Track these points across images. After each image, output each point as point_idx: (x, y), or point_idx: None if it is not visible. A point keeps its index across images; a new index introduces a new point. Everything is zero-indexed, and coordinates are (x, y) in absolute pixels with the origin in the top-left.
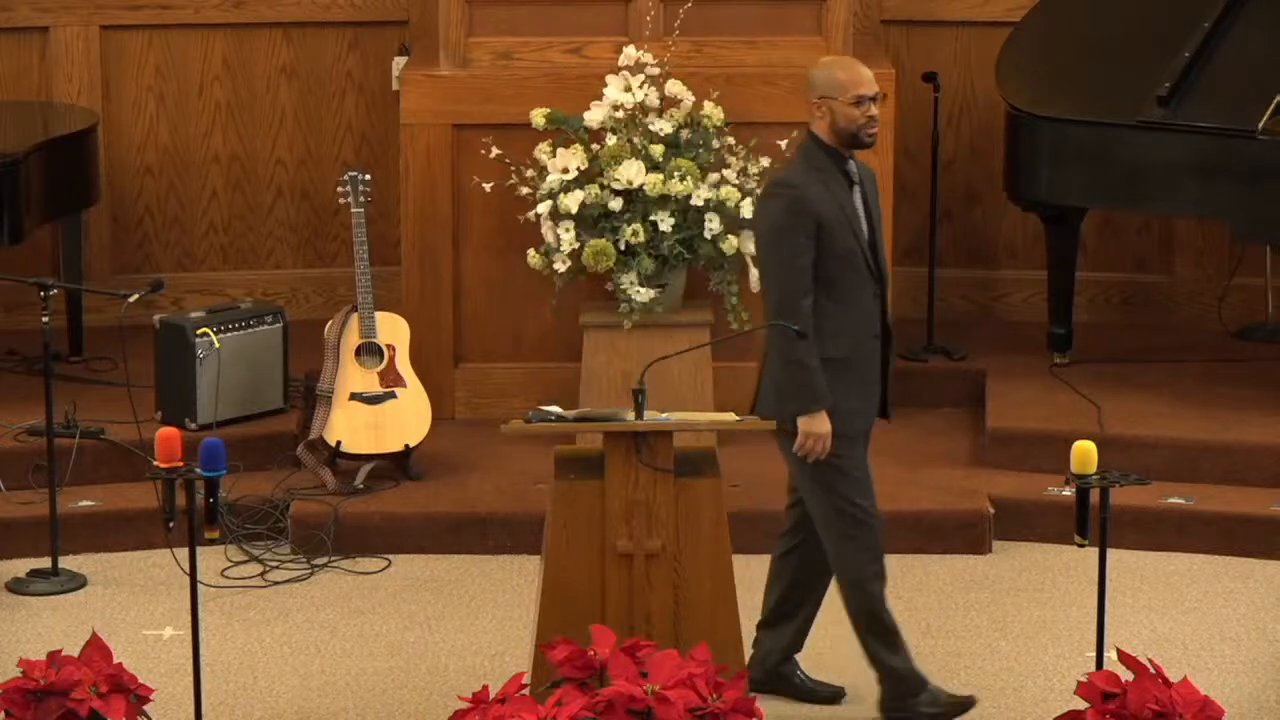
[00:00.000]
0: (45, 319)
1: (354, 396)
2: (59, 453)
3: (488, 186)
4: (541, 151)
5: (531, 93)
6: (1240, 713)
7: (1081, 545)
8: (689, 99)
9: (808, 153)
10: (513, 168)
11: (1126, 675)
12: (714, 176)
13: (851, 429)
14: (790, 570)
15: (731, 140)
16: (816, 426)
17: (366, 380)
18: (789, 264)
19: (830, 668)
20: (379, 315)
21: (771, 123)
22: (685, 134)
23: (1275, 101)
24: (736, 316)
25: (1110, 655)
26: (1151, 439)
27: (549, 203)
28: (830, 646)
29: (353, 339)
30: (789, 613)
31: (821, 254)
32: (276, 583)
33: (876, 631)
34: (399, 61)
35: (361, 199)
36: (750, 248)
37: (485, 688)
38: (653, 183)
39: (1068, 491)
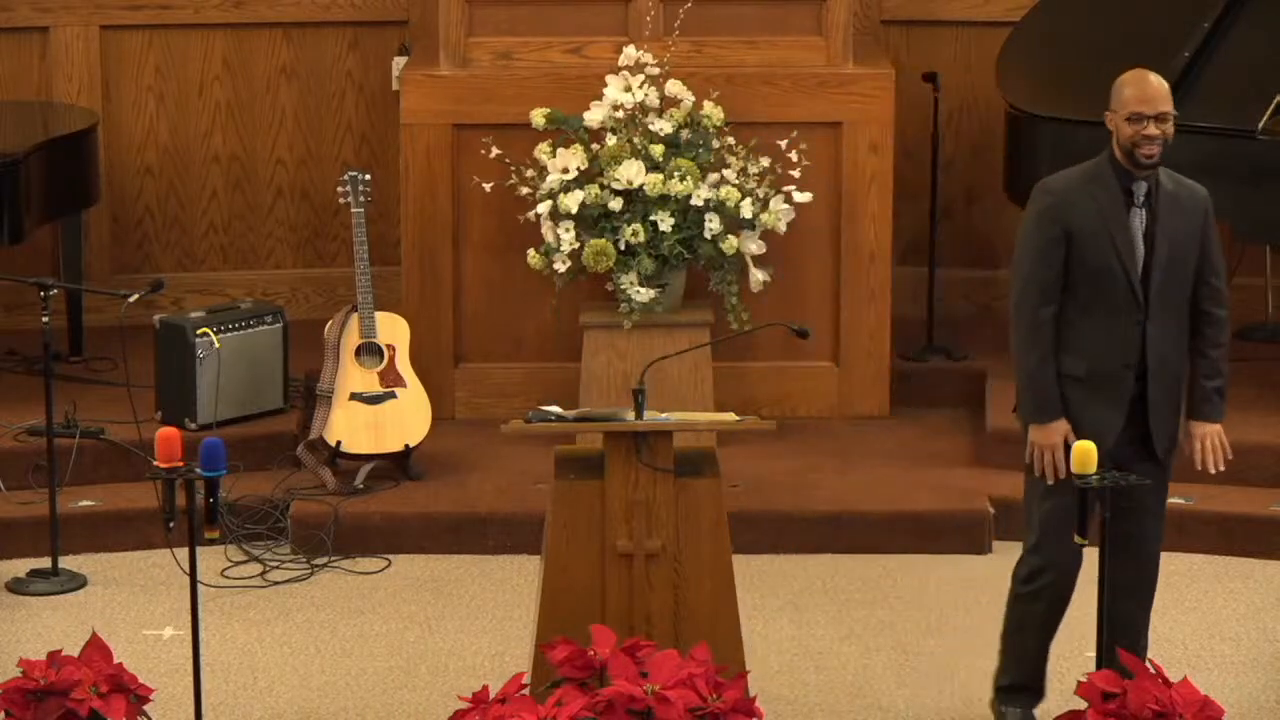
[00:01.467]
0: (45, 319)
1: (354, 396)
2: (59, 453)
3: (488, 186)
4: (541, 151)
5: (531, 93)
6: (1240, 713)
7: (1081, 545)
8: (689, 99)
9: (1096, 163)
10: (513, 168)
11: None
12: (714, 176)
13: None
14: None
15: (731, 140)
16: (1042, 438)
17: (366, 380)
18: (1028, 270)
19: (832, 667)
20: (379, 315)
21: (771, 123)
22: (685, 134)
23: (1275, 101)
24: (736, 316)
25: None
26: None
27: (549, 203)
28: (831, 647)
29: (353, 339)
30: None
31: (1073, 266)
32: (276, 583)
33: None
34: (399, 61)
35: (361, 199)
36: (750, 247)
37: (485, 688)
38: (653, 183)
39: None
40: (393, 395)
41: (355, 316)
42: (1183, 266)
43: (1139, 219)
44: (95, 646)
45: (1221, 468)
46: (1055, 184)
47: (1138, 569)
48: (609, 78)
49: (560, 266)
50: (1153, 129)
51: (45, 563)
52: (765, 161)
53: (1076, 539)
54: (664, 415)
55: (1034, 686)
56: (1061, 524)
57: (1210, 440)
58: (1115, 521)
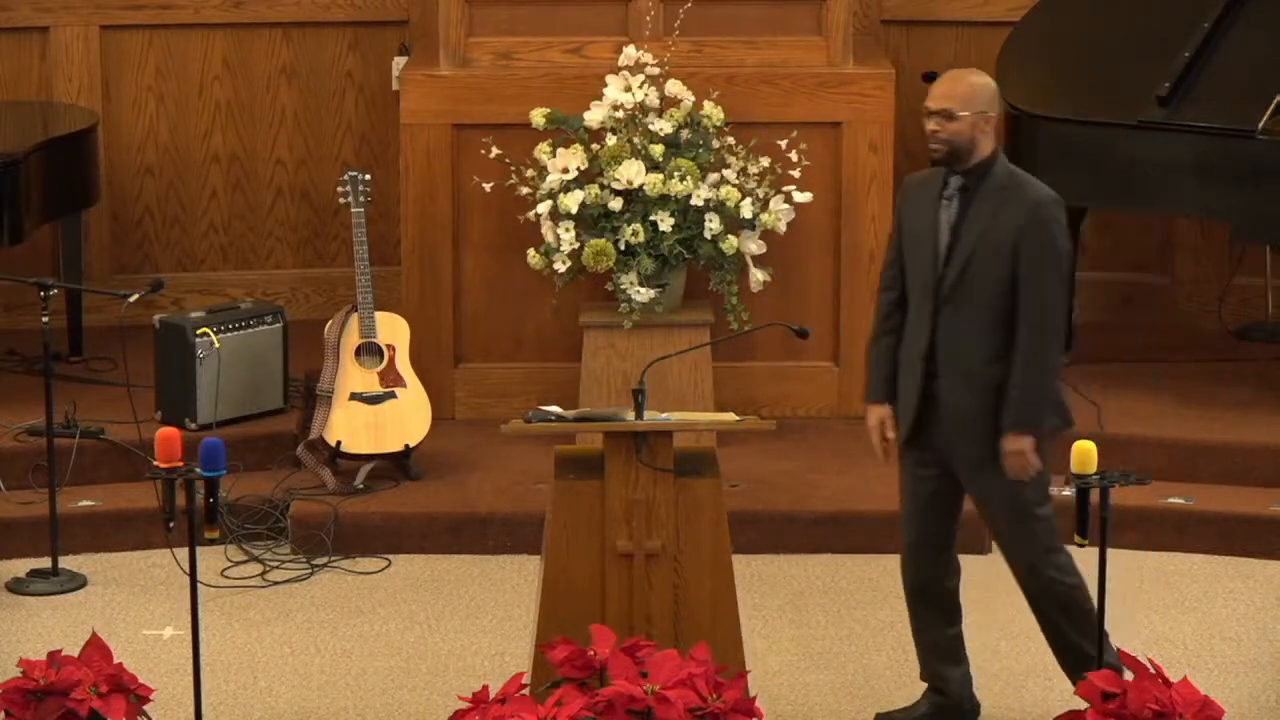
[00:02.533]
0: (45, 319)
1: (354, 396)
2: (59, 453)
3: (488, 186)
4: (541, 151)
5: (531, 93)
6: (1240, 713)
7: (1081, 545)
8: (689, 99)
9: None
10: (513, 168)
11: (1127, 675)
12: (714, 176)
13: (900, 436)
14: None
15: (731, 140)
16: (868, 417)
17: (366, 380)
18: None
19: (832, 667)
20: (379, 315)
21: (771, 123)
22: (685, 134)
23: (1275, 101)
24: (736, 316)
25: None
26: (1151, 439)
27: (549, 203)
28: (831, 647)
29: (353, 339)
30: None
31: (906, 257)
32: (276, 583)
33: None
34: (399, 61)
35: (361, 199)
36: (750, 247)
37: (485, 688)
38: (653, 183)
39: (1068, 491)
40: (393, 395)
41: (355, 316)
42: (991, 264)
43: (948, 213)
44: (95, 646)
45: (1022, 478)
46: (912, 178)
47: (1020, 582)
48: (609, 78)
49: (560, 266)
50: (932, 124)
51: (45, 563)
52: (765, 161)
53: (1077, 539)
54: (664, 415)
55: None
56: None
57: (1007, 451)
58: (933, 521)
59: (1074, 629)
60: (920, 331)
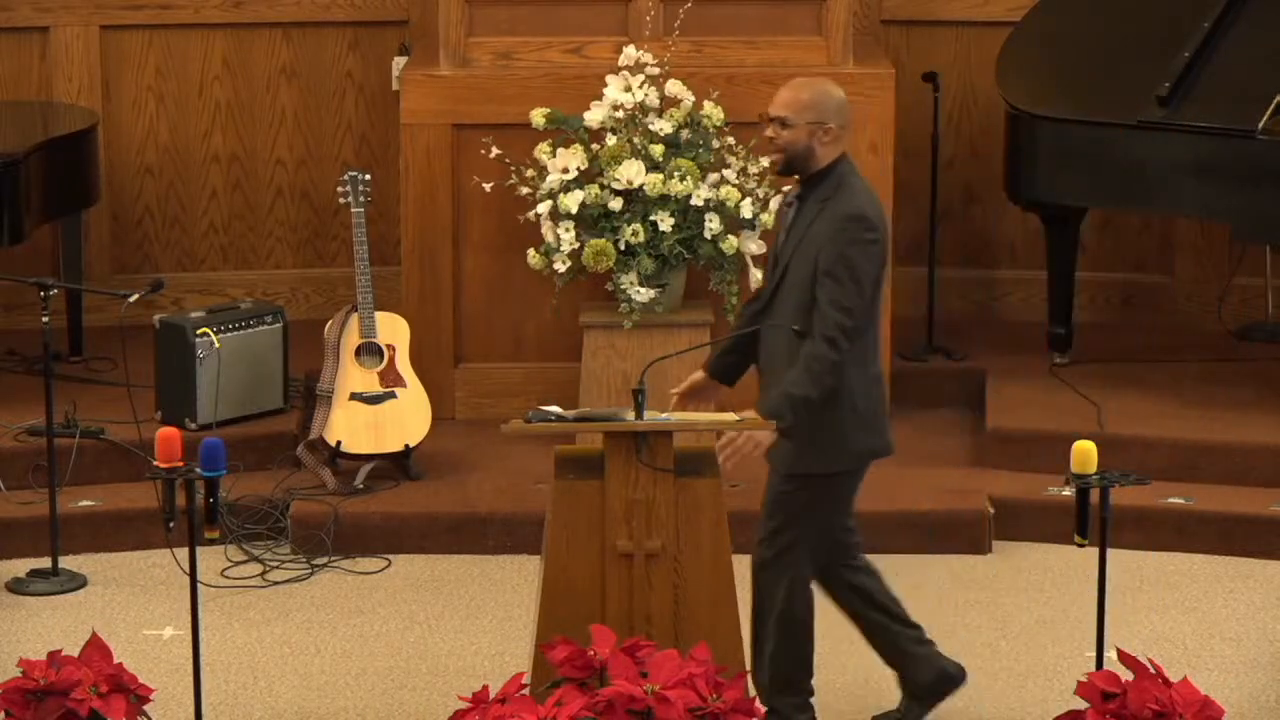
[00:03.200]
0: (45, 319)
1: (354, 396)
2: (59, 453)
3: (488, 186)
4: (541, 151)
5: (531, 93)
6: (1240, 713)
7: (1081, 545)
8: (689, 99)
9: None
10: (513, 168)
11: (1126, 675)
12: (714, 176)
13: None
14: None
15: (731, 140)
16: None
17: (366, 380)
18: None
19: (832, 667)
20: (379, 315)
21: None
22: (685, 134)
23: (1275, 101)
24: (736, 316)
25: (1110, 655)
26: (1151, 439)
27: (549, 203)
28: (831, 646)
29: (353, 339)
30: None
31: None
32: (276, 583)
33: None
34: (399, 61)
35: (361, 199)
36: (750, 247)
37: (485, 688)
38: (653, 183)
39: (1068, 491)
40: (393, 395)
41: (355, 316)
42: (800, 273)
43: (785, 219)
44: (95, 646)
45: (727, 457)
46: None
47: (767, 598)
48: (609, 78)
49: (560, 266)
50: (768, 131)
51: (45, 563)
52: (765, 161)
53: (1077, 539)
54: (664, 415)
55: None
56: None
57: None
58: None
59: (781, 651)
60: (759, 334)
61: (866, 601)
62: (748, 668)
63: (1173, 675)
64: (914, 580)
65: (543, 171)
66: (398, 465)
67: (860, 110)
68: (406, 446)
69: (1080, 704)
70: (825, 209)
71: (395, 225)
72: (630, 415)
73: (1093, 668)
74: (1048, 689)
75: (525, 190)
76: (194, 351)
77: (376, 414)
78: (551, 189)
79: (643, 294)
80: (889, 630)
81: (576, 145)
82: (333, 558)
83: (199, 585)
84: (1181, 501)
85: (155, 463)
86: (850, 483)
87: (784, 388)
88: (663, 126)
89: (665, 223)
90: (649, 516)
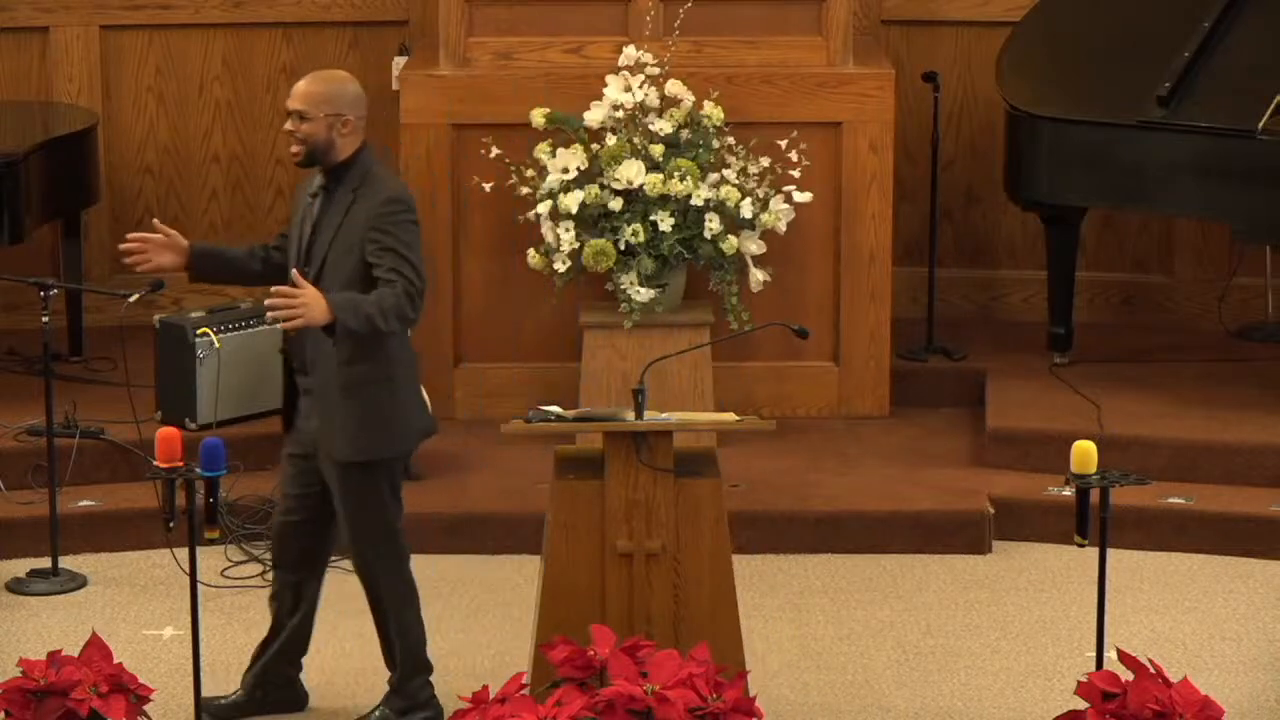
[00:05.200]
0: (45, 319)
1: None
2: (59, 453)
3: (488, 186)
4: (541, 151)
5: (531, 93)
6: (1240, 713)
7: (1081, 545)
8: (689, 99)
9: None
10: (513, 168)
11: (1126, 675)
12: (714, 176)
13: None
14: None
15: (731, 140)
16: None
17: None
18: None
19: (832, 667)
20: None
21: (771, 123)
22: (685, 134)
23: (1275, 101)
24: (736, 316)
25: (1110, 655)
26: (1151, 439)
27: (549, 203)
28: (831, 646)
29: None
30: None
31: None
32: None
33: None
34: (399, 61)
35: None
36: (750, 247)
37: (485, 688)
38: (653, 183)
39: (1068, 491)
40: None
41: None
42: (344, 264)
43: (311, 213)
44: (95, 646)
45: (276, 308)
46: (305, 180)
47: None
48: (609, 78)
49: (560, 266)
50: (289, 125)
51: (45, 563)
52: (765, 161)
53: (1077, 539)
54: (664, 415)
55: None
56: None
57: (304, 291)
58: (298, 537)
59: (408, 635)
60: (282, 330)
61: (295, 611)
62: (747, 668)
63: (1173, 675)
64: (914, 580)
65: (543, 171)
66: None
67: (860, 110)
68: None
69: (1080, 704)
70: (358, 197)
71: None
72: (630, 415)
73: (1093, 668)
74: (1048, 689)
75: (525, 190)
76: (194, 351)
77: None
78: (551, 189)
79: (643, 294)
80: (295, 648)
81: (576, 145)
82: (333, 558)
83: (199, 585)
84: (1181, 501)
85: (155, 463)
86: (405, 462)
87: (359, 302)
88: (663, 126)
89: (665, 223)
90: (649, 516)
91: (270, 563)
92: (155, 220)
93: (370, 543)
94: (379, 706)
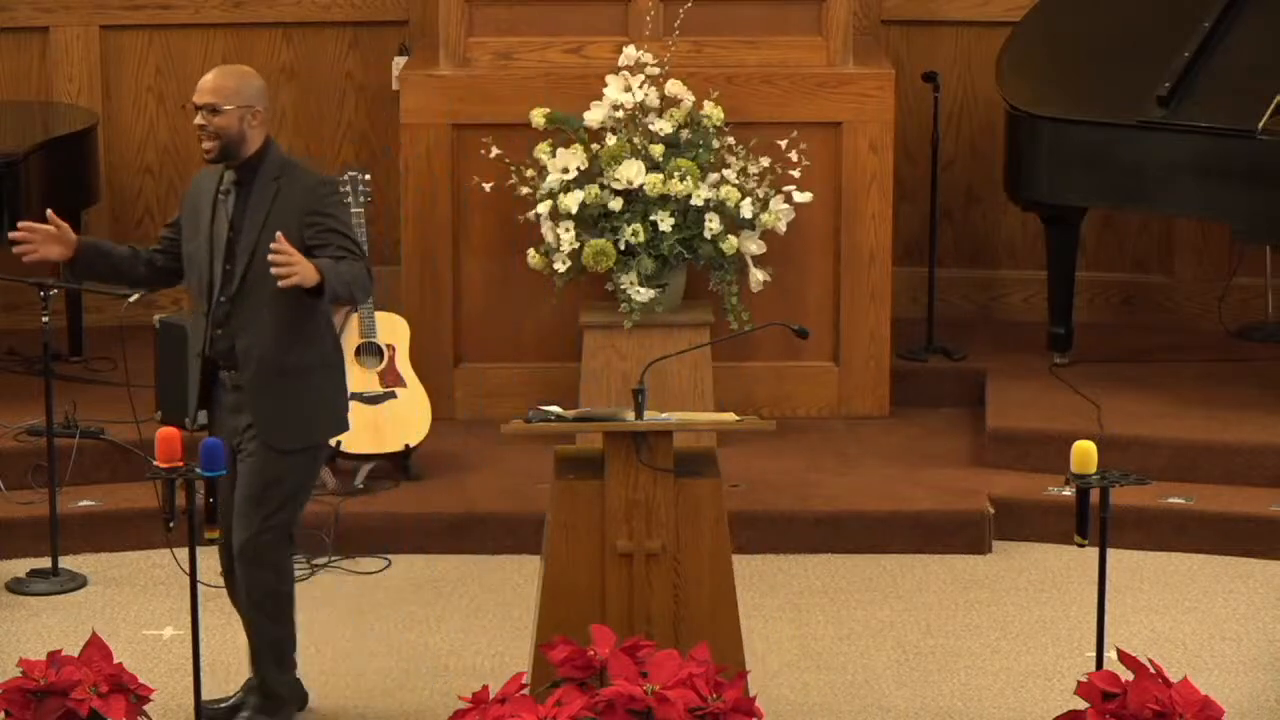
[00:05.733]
0: (45, 319)
1: (354, 396)
2: (59, 453)
3: (488, 186)
4: (541, 151)
5: (531, 93)
6: (1240, 713)
7: (1081, 545)
8: (689, 99)
9: None
10: (513, 168)
11: (1126, 675)
12: (714, 176)
13: (193, 423)
14: None
15: (731, 140)
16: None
17: (366, 380)
18: None
19: (832, 667)
20: (379, 315)
21: (771, 123)
22: (685, 134)
23: (1275, 101)
24: (736, 316)
25: (1110, 655)
26: (1151, 439)
27: (549, 203)
28: (831, 646)
29: (353, 339)
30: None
31: (183, 250)
32: None
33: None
34: (399, 61)
35: (361, 199)
36: (750, 247)
37: (485, 688)
38: (653, 183)
39: (1068, 491)
40: (392, 395)
41: (355, 316)
42: (265, 265)
43: (225, 208)
44: (95, 646)
45: (282, 264)
46: (200, 175)
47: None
48: (609, 78)
49: (560, 266)
50: (199, 119)
51: (45, 563)
52: (765, 161)
53: (1077, 539)
54: (664, 415)
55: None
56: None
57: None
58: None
59: (271, 629)
60: (199, 330)
61: None
62: (747, 668)
63: (1173, 675)
64: (914, 580)
65: (543, 171)
66: (397, 465)
67: (860, 110)
68: (406, 446)
69: (1080, 704)
70: (283, 186)
71: (395, 225)
72: (630, 415)
73: (1093, 668)
74: (1048, 689)
75: (525, 190)
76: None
77: (376, 414)
78: (551, 189)
79: (643, 294)
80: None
81: (576, 145)
82: (333, 558)
83: (199, 585)
84: (1181, 501)
85: (155, 463)
86: (326, 449)
87: (339, 269)
88: (663, 126)
89: (665, 223)
90: (649, 516)
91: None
92: (49, 211)
93: (284, 528)
94: (246, 705)
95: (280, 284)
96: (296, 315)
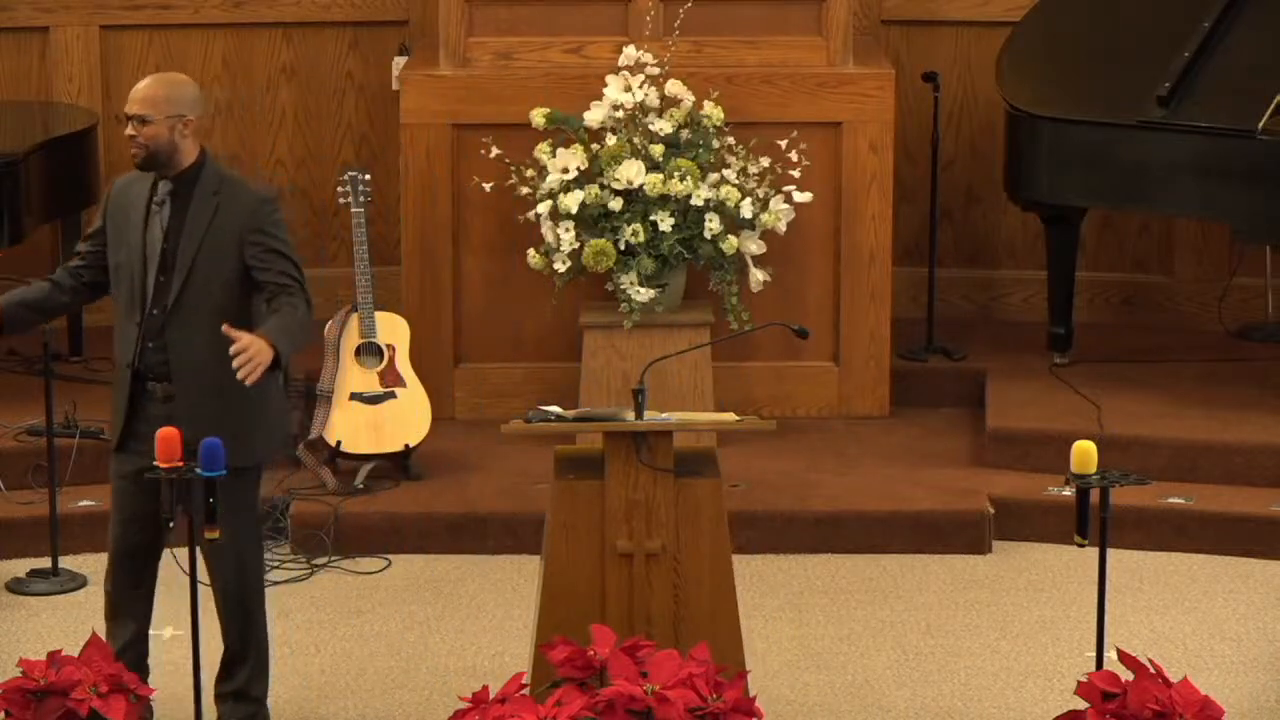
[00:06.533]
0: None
1: (354, 396)
2: (59, 453)
3: (488, 186)
4: (541, 151)
5: (531, 93)
6: (1240, 713)
7: (1081, 545)
8: (689, 99)
9: None
10: (513, 168)
11: (1126, 675)
12: (714, 176)
13: (111, 439)
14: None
15: (731, 140)
16: None
17: (366, 380)
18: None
19: (832, 667)
20: (379, 315)
21: (771, 123)
22: (685, 134)
23: (1275, 101)
24: (736, 316)
25: (1110, 655)
26: (1151, 439)
27: (549, 203)
28: (831, 646)
29: (353, 339)
30: None
31: (109, 261)
32: (276, 583)
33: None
34: (399, 61)
35: (361, 199)
36: (750, 247)
37: (485, 688)
38: (653, 183)
39: (1068, 491)
40: (393, 395)
41: (355, 316)
42: (217, 268)
43: (160, 219)
44: (95, 646)
45: (251, 370)
46: (120, 180)
47: (224, 581)
48: (609, 78)
49: (560, 266)
50: (129, 130)
51: (45, 563)
52: (765, 161)
53: (1077, 539)
54: (664, 415)
55: None
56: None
57: (250, 343)
58: (147, 559)
59: (259, 638)
60: (128, 342)
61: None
62: (747, 668)
63: (1173, 675)
64: (914, 580)
65: (543, 171)
66: (398, 465)
67: (860, 110)
68: (406, 446)
69: (1080, 704)
70: (222, 203)
71: (395, 225)
72: (630, 415)
73: (1093, 668)
74: (1048, 689)
75: (525, 190)
76: None
77: (376, 414)
78: (551, 189)
79: (643, 294)
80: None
81: (576, 145)
82: (333, 558)
83: (199, 585)
84: (1181, 501)
85: (155, 463)
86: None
87: (287, 328)
88: (663, 126)
89: (665, 223)
90: (649, 516)
91: (113, 601)
92: None
93: (252, 543)
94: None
95: (247, 383)
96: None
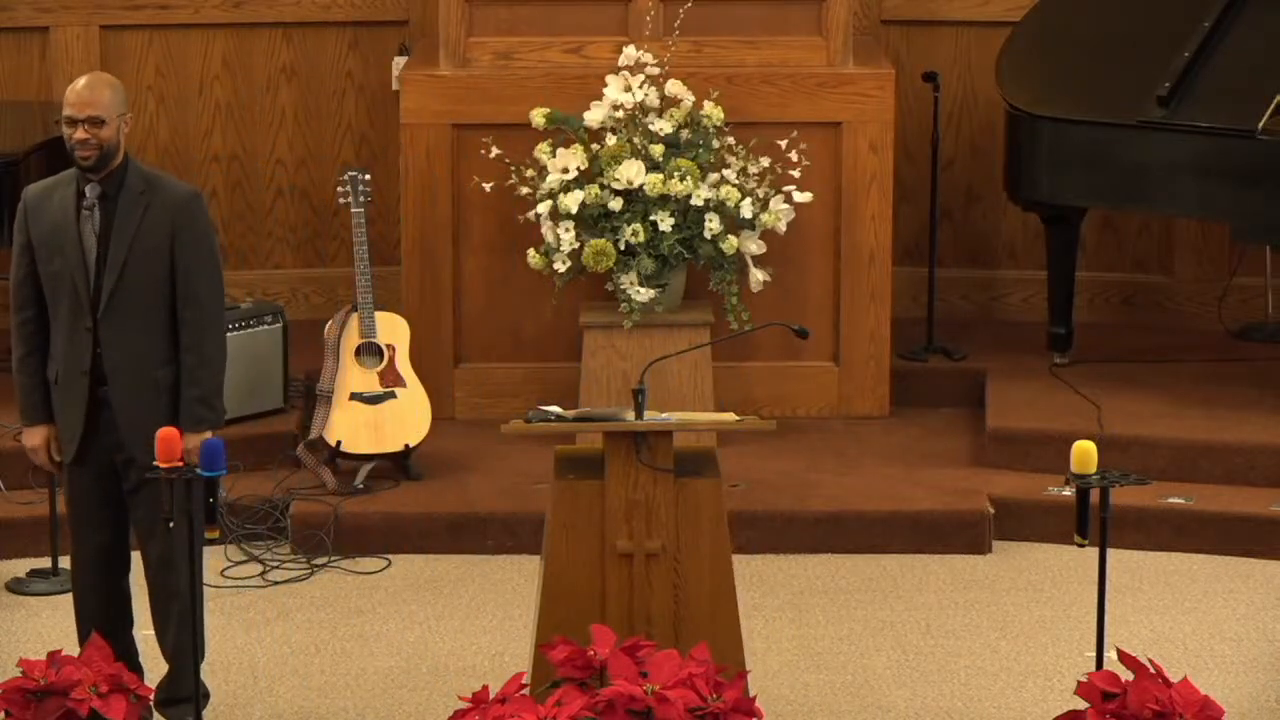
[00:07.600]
0: None
1: (354, 396)
2: None
3: (488, 186)
4: (541, 151)
5: (531, 93)
6: (1240, 713)
7: (1081, 545)
8: (689, 99)
9: (72, 169)
10: (513, 168)
11: (1126, 675)
12: (714, 176)
13: (65, 456)
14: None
15: (731, 140)
16: (26, 440)
17: (366, 380)
18: (11, 274)
19: (832, 667)
20: (379, 315)
21: (771, 123)
22: (685, 134)
23: (1275, 101)
24: (736, 316)
25: (1110, 655)
26: (1151, 439)
27: (549, 203)
28: (831, 646)
29: (353, 339)
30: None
31: (40, 272)
32: (276, 583)
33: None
34: (399, 61)
35: (361, 199)
36: (750, 247)
37: (485, 688)
38: (653, 183)
39: (1068, 491)
40: (392, 395)
41: (355, 316)
42: (147, 268)
43: (92, 222)
44: (95, 646)
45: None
46: (31, 190)
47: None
48: (609, 78)
49: (560, 266)
50: (81, 133)
51: (45, 563)
52: (765, 161)
53: (1077, 539)
54: (664, 415)
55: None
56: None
57: (188, 449)
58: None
59: (196, 637)
60: (80, 347)
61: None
62: (747, 668)
63: (1173, 675)
64: (914, 580)
65: (543, 171)
66: (397, 465)
67: (860, 110)
68: (406, 446)
69: (1080, 704)
70: (151, 201)
71: (395, 225)
72: (630, 415)
73: (1093, 668)
74: (1048, 689)
75: (525, 190)
76: None
77: (376, 414)
78: (551, 189)
79: (643, 294)
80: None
81: (576, 145)
82: (332, 558)
83: (200, 586)
84: (1181, 501)
85: (155, 463)
86: None
87: (203, 398)
88: (663, 126)
89: (665, 223)
90: (649, 516)
91: (82, 607)
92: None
93: (171, 545)
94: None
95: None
96: (168, 329)
